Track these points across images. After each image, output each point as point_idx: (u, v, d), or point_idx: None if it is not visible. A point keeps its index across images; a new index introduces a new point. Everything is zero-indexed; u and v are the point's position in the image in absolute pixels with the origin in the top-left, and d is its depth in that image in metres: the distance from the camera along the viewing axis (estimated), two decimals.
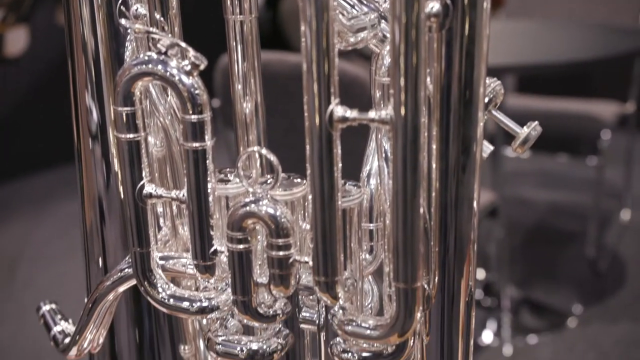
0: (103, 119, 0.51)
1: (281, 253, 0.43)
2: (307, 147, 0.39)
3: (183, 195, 0.45)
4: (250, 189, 0.43)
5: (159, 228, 0.52)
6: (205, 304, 0.47)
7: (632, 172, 2.64)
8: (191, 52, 0.42)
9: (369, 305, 0.48)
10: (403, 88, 0.36)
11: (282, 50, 1.59)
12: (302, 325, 0.49)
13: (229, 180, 0.47)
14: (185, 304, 0.47)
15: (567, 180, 3.09)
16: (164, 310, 0.48)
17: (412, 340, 0.44)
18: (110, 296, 0.51)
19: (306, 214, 0.46)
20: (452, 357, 0.45)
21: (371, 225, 0.47)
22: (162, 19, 0.50)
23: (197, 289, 0.52)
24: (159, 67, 0.42)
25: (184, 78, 0.42)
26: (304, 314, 0.48)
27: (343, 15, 0.44)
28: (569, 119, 2.41)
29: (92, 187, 0.53)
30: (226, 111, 1.64)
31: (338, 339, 0.46)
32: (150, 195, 0.46)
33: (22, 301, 2.35)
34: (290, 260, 0.43)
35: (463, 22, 0.38)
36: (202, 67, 0.42)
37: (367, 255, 0.47)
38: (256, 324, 0.47)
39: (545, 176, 3.15)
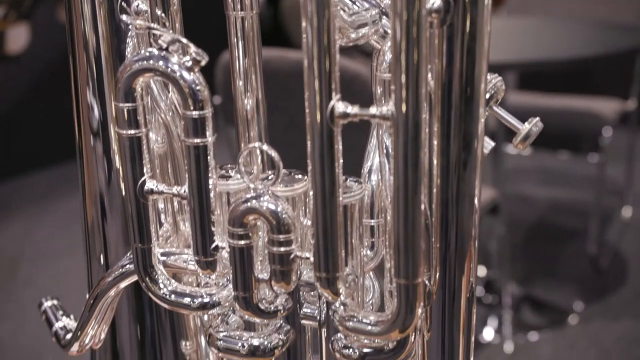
0: (104, 116, 0.51)
1: (282, 249, 0.43)
2: (308, 143, 0.39)
3: (184, 191, 0.45)
4: (252, 185, 0.43)
5: (160, 224, 0.52)
6: (206, 299, 0.47)
7: (633, 169, 2.64)
8: (192, 48, 0.42)
9: (370, 302, 0.48)
10: (404, 85, 0.36)
11: (283, 47, 1.59)
12: (303, 321, 0.49)
13: (230, 177, 0.47)
14: (187, 300, 0.47)
15: (568, 177, 3.09)
16: (165, 306, 0.48)
17: (413, 336, 0.44)
18: (112, 292, 0.51)
19: (307, 210, 0.46)
20: (453, 353, 0.45)
21: (372, 221, 0.47)
22: (163, 15, 0.50)
23: (198, 285, 0.52)
24: (160, 63, 0.42)
25: (185, 74, 0.42)
26: (305, 310, 0.48)
27: (344, 11, 0.44)
28: (570, 116, 2.40)
29: (93, 184, 0.53)
30: (227, 108, 1.64)
31: (339, 334, 0.46)
32: (152, 191, 0.46)
33: (23, 299, 2.35)
34: (292, 256, 0.43)
35: (464, 18, 0.38)
36: (203, 63, 0.42)
37: (368, 252, 0.47)
38: (257, 320, 0.47)
39: (546, 173, 3.15)
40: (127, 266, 0.50)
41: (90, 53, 0.50)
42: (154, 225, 0.47)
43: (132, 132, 0.45)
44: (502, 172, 2.11)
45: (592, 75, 3.08)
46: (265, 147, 0.43)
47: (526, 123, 0.46)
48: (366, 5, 0.45)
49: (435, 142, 0.40)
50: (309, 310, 0.48)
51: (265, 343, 0.47)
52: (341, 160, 0.39)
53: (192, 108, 0.42)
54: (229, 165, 0.49)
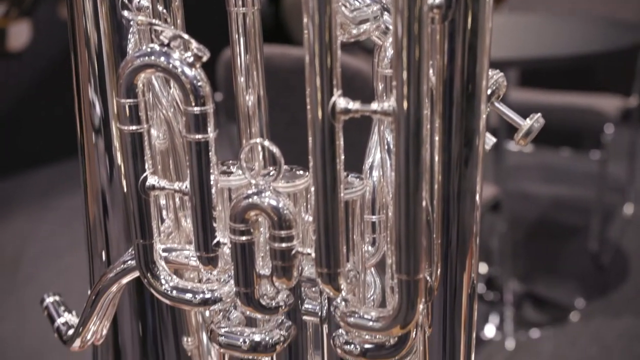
0: (106, 113, 0.51)
1: (284, 245, 0.43)
2: (310, 139, 0.39)
3: (186, 187, 0.45)
4: (253, 181, 0.43)
5: (162, 220, 0.52)
6: (208, 295, 0.47)
7: (635, 166, 2.63)
8: (194, 44, 0.42)
9: (372, 297, 0.48)
10: (406, 81, 0.36)
11: (284, 44, 1.59)
12: (304, 317, 0.49)
13: (231, 173, 0.47)
14: (188, 296, 0.47)
15: (570, 174, 3.09)
16: (167, 301, 0.48)
17: (414, 332, 0.44)
18: (114, 288, 0.51)
19: (308, 206, 0.46)
20: (454, 349, 0.45)
21: (374, 217, 0.47)
22: (164, 11, 0.50)
23: (199, 281, 0.52)
24: (162, 59, 0.42)
25: (187, 70, 0.42)
26: (306, 305, 0.48)
27: (345, 7, 0.44)
28: (572, 113, 2.40)
29: (95, 181, 0.53)
30: (229, 105, 1.64)
31: (340, 330, 0.46)
32: (153, 187, 0.46)
33: (25, 296, 2.36)
34: (293, 252, 0.43)
35: (466, 14, 0.38)
36: (204, 59, 0.42)
37: (370, 247, 0.47)
38: (259, 316, 0.47)
39: (548, 170, 3.14)
40: (129, 262, 0.50)
41: (91, 50, 0.50)
42: (156, 221, 0.47)
43: (134, 128, 0.45)
44: (504, 169, 2.11)
45: (593, 72, 3.08)
46: (266, 142, 0.43)
47: (528, 119, 0.46)
48: (367, 1, 0.45)
49: (436, 138, 0.40)
50: (310, 306, 0.48)
51: (267, 339, 0.47)
52: (342, 156, 0.39)
53: (193, 104, 0.42)
54: (231, 161, 0.49)
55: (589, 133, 2.36)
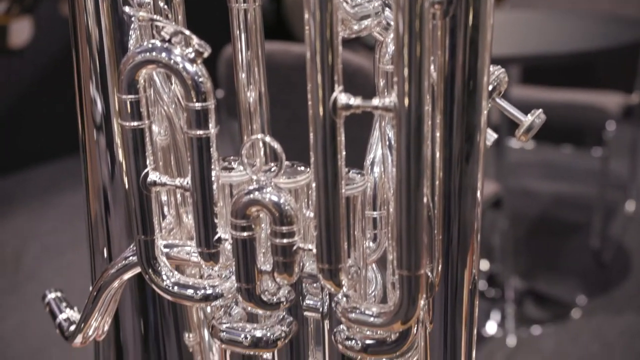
0: (107, 110, 0.51)
1: (285, 240, 0.43)
2: (311, 134, 0.39)
3: (187, 183, 0.45)
4: (254, 177, 0.43)
5: (163, 216, 0.52)
6: (209, 291, 0.47)
7: (636, 163, 2.63)
8: (195, 40, 0.42)
9: (373, 293, 0.48)
10: (407, 78, 0.36)
11: (285, 41, 1.59)
12: (305, 313, 0.49)
13: (232, 168, 0.47)
14: (190, 292, 0.47)
15: (572, 171, 3.09)
16: (169, 297, 0.48)
17: (415, 328, 0.44)
18: (115, 284, 0.51)
19: (310, 202, 0.46)
20: (455, 345, 0.45)
21: (375, 213, 0.47)
22: (165, 7, 0.50)
23: (201, 277, 0.52)
24: (163, 54, 0.42)
25: (188, 66, 0.42)
26: (307, 301, 0.49)
27: (347, 3, 0.44)
28: (574, 110, 2.40)
29: (96, 178, 0.53)
30: (230, 102, 1.64)
31: (342, 326, 0.46)
32: (155, 183, 0.46)
33: (27, 293, 2.36)
34: (294, 247, 0.43)
35: (467, 10, 0.38)
36: (205, 54, 0.42)
37: (371, 243, 0.47)
38: (260, 312, 0.47)
39: (549, 167, 3.14)
40: (130, 258, 0.50)
41: (93, 47, 0.50)
42: (157, 217, 0.47)
43: (135, 124, 0.45)
44: (505, 166, 2.11)
45: (595, 69, 3.08)
46: (267, 138, 0.43)
47: (529, 115, 0.46)
48: None
49: (437, 134, 0.40)
50: (311, 302, 0.48)
51: (268, 334, 0.47)
52: (344, 152, 0.39)
53: (194, 100, 0.42)
54: (232, 157, 0.49)
55: (591, 130, 2.36)
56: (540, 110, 0.46)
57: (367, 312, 0.43)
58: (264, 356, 0.51)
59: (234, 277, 0.46)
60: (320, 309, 0.48)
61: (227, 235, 0.45)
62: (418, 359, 0.48)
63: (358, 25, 0.45)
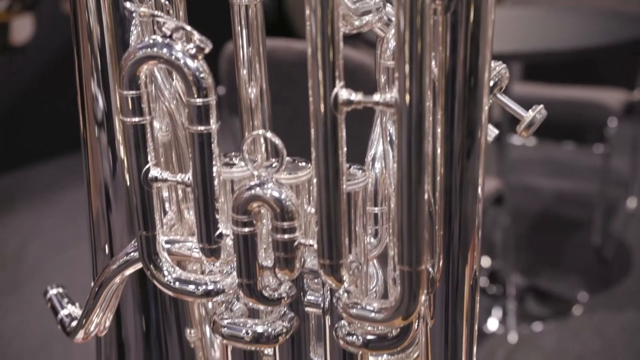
0: (109, 107, 0.51)
1: (286, 236, 0.43)
2: (312, 130, 0.39)
3: (188, 179, 0.45)
4: (255, 173, 0.43)
5: (165, 212, 0.52)
6: (210, 287, 0.47)
7: (638, 160, 2.63)
8: (196, 36, 0.42)
9: (374, 289, 0.48)
10: (408, 75, 0.36)
11: (287, 38, 1.59)
12: (307, 309, 0.49)
13: (234, 164, 0.47)
14: (191, 287, 0.47)
15: (573, 168, 3.09)
16: (170, 293, 0.48)
17: (416, 324, 0.44)
18: (117, 279, 0.51)
19: (311, 198, 0.46)
20: (456, 341, 0.45)
21: (376, 209, 0.47)
22: (167, 2, 0.50)
23: (202, 273, 0.52)
24: (164, 50, 0.42)
25: (189, 61, 0.42)
26: (308, 297, 0.49)
27: None
28: (576, 107, 2.40)
29: (98, 175, 0.53)
30: (231, 99, 1.64)
31: (343, 322, 0.46)
32: (156, 179, 0.46)
33: (29, 290, 2.36)
34: (295, 243, 0.43)
35: (468, 5, 0.38)
36: (207, 50, 0.42)
37: (372, 239, 0.47)
38: (261, 307, 0.47)
39: (551, 164, 3.14)
40: (132, 254, 0.50)
41: (94, 44, 0.50)
42: (158, 213, 0.47)
43: (136, 119, 0.45)
44: (507, 162, 2.11)
45: (597, 65, 3.07)
46: (269, 134, 0.43)
47: (530, 110, 0.46)
48: None
49: (438, 130, 0.40)
50: (312, 298, 0.49)
51: (269, 330, 0.47)
52: (345, 148, 0.39)
53: (196, 95, 0.42)
54: (233, 153, 0.49)
55: (592, 127, 2.36)
56: (541, 106, 0.46)
57: (368, 307, 0.43)
58: (265, 352, 0.51)
59: (235, 273, 0.46)
60: (322, 305, 0.48)
61: (228, 231, 0.45)
62: (419, 354, 0.48)
63: (359, 21, 0.45)
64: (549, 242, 2.51)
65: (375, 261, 0.49)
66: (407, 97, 0.37)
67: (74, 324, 0.56)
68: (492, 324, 2.05)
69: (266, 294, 0.45)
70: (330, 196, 0.40)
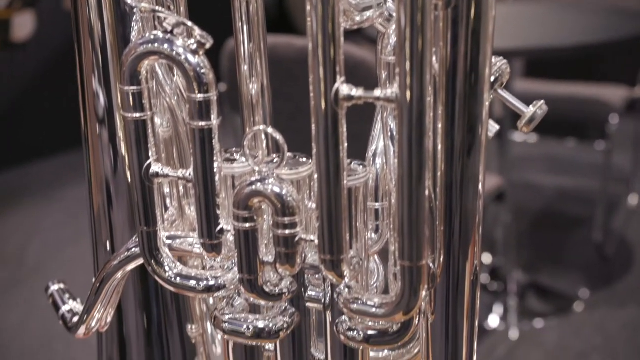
0: (110, 103, 0.51)
1: (287, 231, 0.43)
2: (313, 125, 0.39)
3: (189, 174, 0.45)
4: (256, 168, 0.43)
5: (166, 208, 0.52)
6: (212, 282, 0.47)
7: None
8: (197, 31, 0.42)
9: (375, 285, 0.48)
10: (409, 72, 0.36)
11: (288, 35, 1.58)
12: (308, 304, 0.49)
13: (235, 160, 0.47)
14: (192, 283, 0.47)
15: (575, 164, 3.08)
16: (171, 289, 0.48)
17: (417, 319, 0.44)
18: (118, 275, 0.52)
19: (312, 193, 0.46)
20: (457, 336, 0.45)
21: (377, 204, 0.47)
22: None
23: (203, 268, 0.52)
24: (165, 46, 0.42)
25: (190, 57, 0.42)
26: (309, 292, 0.49)
27: None
28: (577, 104, 2.40)
29: (99, 171, 0.53)
30: (233, 96, 1.64)
31: (344, 317, 0.46)
32: (157, 175, 0.46)
33: (30, 287, 2.37)
34: (296, 238, 0.43)
35: (469, 0, 0.38)
36: (208, 45, 0.42)
37: (373, 235, 0.47)
38: (262, 303, 0.48)
39: (552, 161, 3.14)
40: (133, 249, 0.50)
41: (95, 41, 0.50)
42: (160, 209, 0.47)
43: (137, 115, 0.45)
44: (509, 159, 2.11)
45: (599, 62, 3.07)
46: (270, 129, 0.43)
47: (531, 106, 0.46)
48: None
49: (439, 126, 0.40)
50: (313, 293, 0.49)
51: (270, 325, 0.47)
52: (346, 144, 0.39)
53: (197, 91, 0.42)
54: (234, 149, 0.49)
55: (594, 123, 2.35)
56: (542, 101, 0.46)
57: (369, 302, 0.43)
58: (267, 347, 0.51)
59: (236, 269, 0.46)
60: (323, 300, 0.48)
61: (229, 226, 0.45)
62: (420, 350, 0.48)
63: (360, 17, 0.45)
64: (550, 239, 2.51)
65: (376, 257, 0.49)
66: (408, 93, 0.37)
67: (75, 319, 0.57)
68: (493, 320, 2.06)
69: (267, 290, 0.45)
70: (331, 192, 0.40)
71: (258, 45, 0.52)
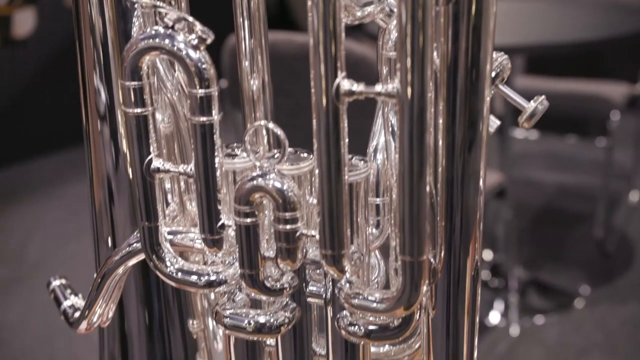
0: (111, 100, 0.51)
1: (288, 226, 0.43)
2: (314, 121, 0.39)
3: (191, 170, 0.45)
4: (258, 163, 0.43)
5: (167, 204, 0.53)
6: (213, 277, 0.47)
7: None
8: (198, 26, 0.42)
9: (376, 280, 0.48)
10: (410, 68, 0.36)
11: (289, 31, 1.58)
12: (309, 299, 0.49)
13: (236, 155, 0.47)
14: (194, 278, 0.47)
15: (576, 161, 3.08)
16: (173, 284, 0.48)
17: (418, 314, 0.44)
18: (120, 270, 0.52)
19: (313, 189, 0.46)
20: (457, 331, 0.45)
21: (378, 199, 0.47)
22: None
23: (205, 264, 0.52)
24: (166, 41, 0.42)
25: (191, 52, 0.42)
26: (310, 287, 0.49)
27: None
28: (578, 100, 2.40)
29: (100, 168, 0.53)
30: (234, 92, 1.64)
31: (345, 312, 0.46)
32: (158, 170, 0.46)
33: (32, 283, 2.37)
34: (297, 233, 0.43)
35: None
36: (209, 41, 0.42)
37: (374, 230, 0.47)
38: (263, 298, 0.48)
39: (553, 157, 3.14)
40: (134, 245, 0.50)
41: (96, 37, 0.50)
42: (161, 204, 0.47)
43: (139, 110, 0.45)
44: (510, 156, 2.11)
45: (600, 58, 3.07)
46: (271, 125, 0.43)
47: (532, 101, 0.46)
48: None
49: (440, 121, 0.40)
50: (314, 288, 0.49)
51: (272, 320, 0.47)
52: (347, 139, 0.39)
53: (198, 86, 0.42)
54: (235, 145, 0.49)
55: (595, 120, 2.35)
56: (543, 96, 0.46)
57: (370, 298, 0.43)
58: (268, 342, 0.51)
59: (237, 264, 0.46)
60: (323, 295, 0.48)
61: (230, 221, 0.45)
62: (421, 345, 0.48)
63: (361, 12, 0.45)
64: (551, 236, 2.51)
65: (377, 252, 0.49)
66: (409, 89, 0.37)
67: (77, 314, 0.57)
68: (494, 317, 2.06)
69: (268, 285, 0.46)
70: (332, 187, 0.40)
71: (259, 41, 0.52)
